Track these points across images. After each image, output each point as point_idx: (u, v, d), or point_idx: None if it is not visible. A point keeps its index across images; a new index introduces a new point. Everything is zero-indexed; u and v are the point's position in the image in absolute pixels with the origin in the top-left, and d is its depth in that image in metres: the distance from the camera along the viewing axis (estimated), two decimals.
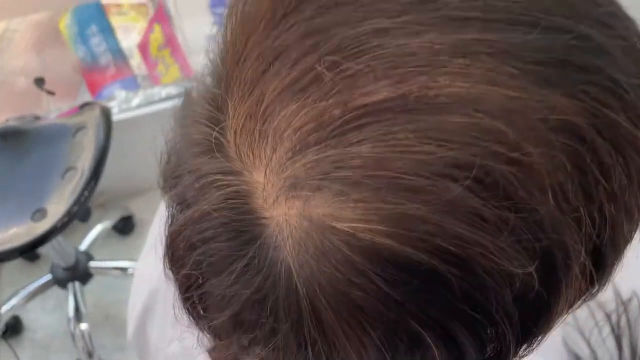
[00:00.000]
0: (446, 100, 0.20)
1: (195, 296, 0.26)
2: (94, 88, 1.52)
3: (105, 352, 1.33)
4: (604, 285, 0.25)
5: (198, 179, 0.24)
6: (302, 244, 0.21)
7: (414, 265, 0.20)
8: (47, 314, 1.44)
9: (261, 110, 0.22)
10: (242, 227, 0.23)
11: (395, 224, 0.20)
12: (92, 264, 1.38)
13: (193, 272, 0.25)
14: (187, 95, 0.28)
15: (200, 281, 0.25)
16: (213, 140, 0.24)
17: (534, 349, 0.24)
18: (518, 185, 0.20)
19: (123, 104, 1.40)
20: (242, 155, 0.23)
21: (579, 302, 0.25)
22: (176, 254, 0.26)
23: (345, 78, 0.20)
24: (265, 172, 0.22)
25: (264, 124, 0.22)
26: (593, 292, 0.25)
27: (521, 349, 0.24)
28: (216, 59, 0.26)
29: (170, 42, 1.51)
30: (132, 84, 1.50)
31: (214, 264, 0.24)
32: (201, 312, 0.26)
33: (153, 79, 1.49)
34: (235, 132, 0.23)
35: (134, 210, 1.56)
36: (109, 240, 1.52)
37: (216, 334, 0.27)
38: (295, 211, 0.21)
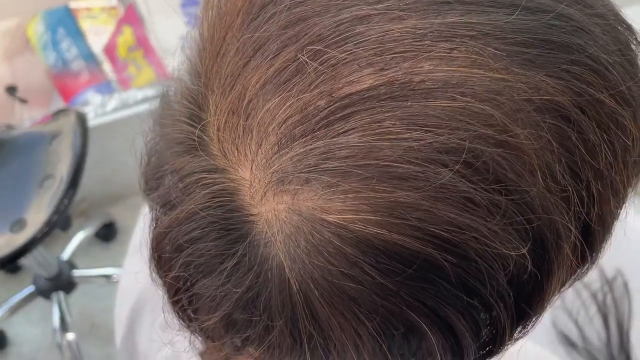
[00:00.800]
0: (431, 85, 0.20)
1: (184, 299, 0.25)
2: (67, 95, 1.49)
3: None
4: (595, 262, 0.25)
5: (182, 178, 0.24)
6: (292, 238, 0.21)
7: (407, 253, 0.20)
8: (32, 326, 1.41)
9: (244, 105, 0.22)
10: (230, 225, 0.22)
11: (386, 212, 0.20)
12: (76, 272, 1.35)
13: (181, 274, 0.24)
14: (164, 94, 0.28)
15: (190, 283, 0.25)
16: (196, 138, 0.23)
17: (528, 330, 0.24)
18: (507, 168, 0.20)
19: (98, 108, 1.38)
20: (227, 152, 0.22)
21: (571, 281, 0.25)
22: (163, 257, 0.25)
23: (328, 67, 0.20)
24: (252, 168, 0.21)
25: (247, 118, 0.21)
26: (584, 270, 0.25)
27: (516, 332, 0.24)
28: (193, 56, 0.25)
29: (143, 44, 1.49)
30: (106, 88, 1.48)
31: (203, 265, 0.23)
32: (191, 314, 0.26)
33: (122, 82, 1.47)
34: (218, 129, 0.23)
35: (115, 217, 1.54)
36: (92, 248, 1.50)
37: (208, 336, 0.27)
38: (284, 206, 0.21)
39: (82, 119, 1.12)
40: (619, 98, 0.22)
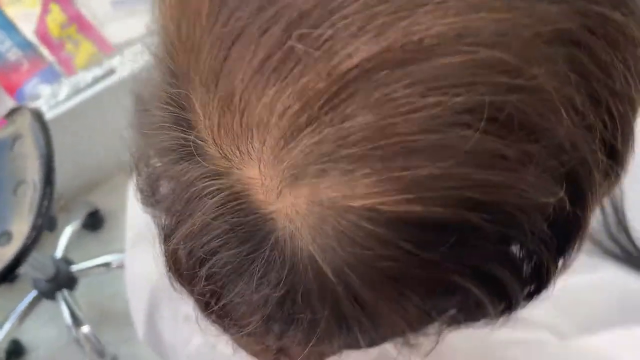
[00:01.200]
0: (433, 42, 0.18)
1: (217, 310, 0.24)
2: (11, 89, 1.41)
3: (113, 348, 1.32)
4: (623, 177, 0.24)
5: (184, 189, 0.22)
6: (318, 229, 0.20)
7: (444, 223, 0.19)
8: (45, 329, 1.41)
9: (235, 102, 0.20)
10: (251, 227, 0.21)
11: (415, 188, 0.18)
12: (74, 268, 1.34)
13: (208, 287, 0.23)
14: (138, 98, 0.25)
15: (219, 294, 0.24)
16: (192, 143, 0.21)
17: (570, 264, 0.24)
18: (531, 112, 0.18)
19: (50, 99, 1.32)
20: (227, 153, 0.21)
21: (602, 201, 0.24)
22: (184, 274, 0.24)
23: (320, 45, 0.18)
24: (259, 167, 0.20)
25: (242, 116, 0.20)
26: (611, 188, 0.24)
27: (559, 267, 0.23)
28: (161, 52, 0.23)
29: (75, 18, 1.40)
30: (50, 73, 1.40)
31: (231, 273, 0.22)
32: (229, 322, 0.25)
33: (63, 63, 1.39)
34: (211, 131, 0.21)
35: (97, 204, 1.51)
36: (82, 240, 1.48)
37: (250, 337, 0.26)
38: (303, 199, 0.19)
39: (38, 115, 1.07)
40: (623, 9, 0.20)
